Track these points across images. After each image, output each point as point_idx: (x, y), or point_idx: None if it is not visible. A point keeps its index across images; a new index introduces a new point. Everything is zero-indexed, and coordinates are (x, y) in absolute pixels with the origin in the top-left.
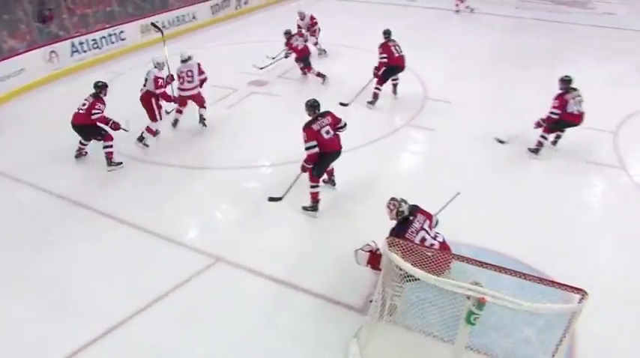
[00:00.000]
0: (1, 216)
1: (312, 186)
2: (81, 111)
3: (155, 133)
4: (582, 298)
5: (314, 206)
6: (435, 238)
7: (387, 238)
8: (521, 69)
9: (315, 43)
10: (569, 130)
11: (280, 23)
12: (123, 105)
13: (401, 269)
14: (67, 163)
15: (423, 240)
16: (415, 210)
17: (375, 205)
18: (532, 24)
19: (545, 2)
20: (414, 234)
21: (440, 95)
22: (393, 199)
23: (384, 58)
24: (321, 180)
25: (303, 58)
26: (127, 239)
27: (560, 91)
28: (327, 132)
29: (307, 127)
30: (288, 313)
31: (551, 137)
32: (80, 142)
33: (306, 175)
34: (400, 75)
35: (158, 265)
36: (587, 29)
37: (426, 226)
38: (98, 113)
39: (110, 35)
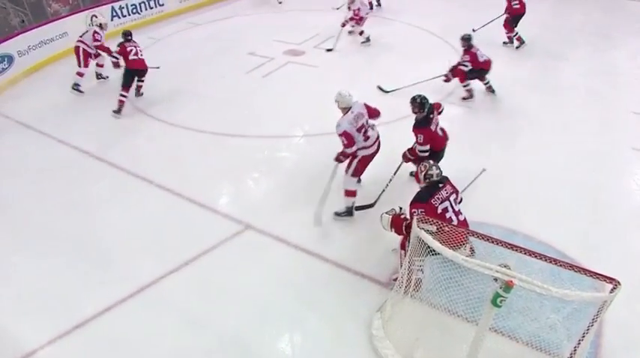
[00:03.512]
0: (31, 171)
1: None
2: (142, 56)
3: None
4: (614, 288)
5: None
6: (457, 214)
7: (417, 216)
8: (570, 49)
9: None
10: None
11: None
12: (162, 69)
13: (429, 246)
14: (106, 127)
15: (445, 210)
16: (446, 180)
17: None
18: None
19: None
20: (438, 201)
21: None
22: (423, 163)
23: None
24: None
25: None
26: (158, 202)
27: (465, 48)
28: (437, 128)
29: (423, 128)
30: (314, 283)
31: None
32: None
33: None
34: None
35: (189, 229)
36: None
37: (452, 199)
38: None
39: (149, 1)
